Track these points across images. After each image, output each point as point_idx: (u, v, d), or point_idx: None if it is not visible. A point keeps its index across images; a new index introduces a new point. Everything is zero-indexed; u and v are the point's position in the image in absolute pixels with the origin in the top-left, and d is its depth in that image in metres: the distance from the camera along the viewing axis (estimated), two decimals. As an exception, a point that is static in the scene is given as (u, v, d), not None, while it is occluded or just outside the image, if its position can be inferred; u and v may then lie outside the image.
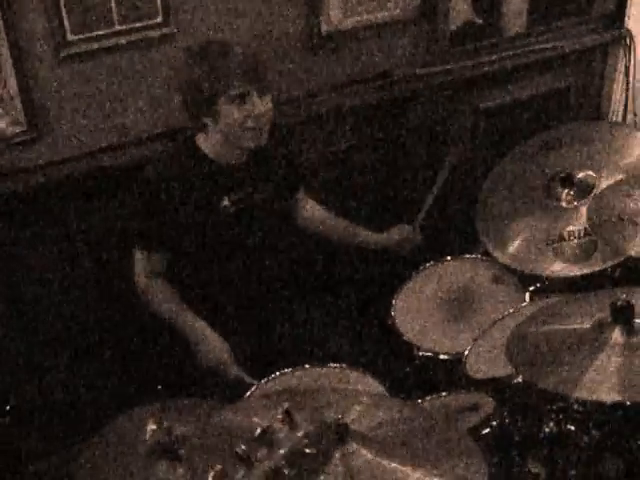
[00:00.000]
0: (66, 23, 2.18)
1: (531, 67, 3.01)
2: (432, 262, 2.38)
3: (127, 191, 2.21)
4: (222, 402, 1.76)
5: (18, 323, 2.36)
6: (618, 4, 3.10)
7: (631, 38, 3.13)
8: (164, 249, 2.13)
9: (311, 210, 2.43)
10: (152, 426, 1.61)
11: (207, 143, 2.10)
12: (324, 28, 2.58)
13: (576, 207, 2.30)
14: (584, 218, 2.17)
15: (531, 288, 2.22)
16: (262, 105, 2.01)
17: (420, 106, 2.82)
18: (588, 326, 1.62)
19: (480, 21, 2.88)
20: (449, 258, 2.39)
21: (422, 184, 2.77)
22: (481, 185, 2.49)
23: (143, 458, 1.60)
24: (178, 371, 2.18)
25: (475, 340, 2.01)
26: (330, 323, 2.29)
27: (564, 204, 2.32)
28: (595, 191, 2.28)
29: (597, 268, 2.16)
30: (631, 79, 3.17)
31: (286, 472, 0.98)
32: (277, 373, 1.89)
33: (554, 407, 1.72)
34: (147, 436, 1.61)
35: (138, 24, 2.28)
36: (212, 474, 0.96)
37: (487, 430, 1.75)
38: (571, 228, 2.24)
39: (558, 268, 2.21)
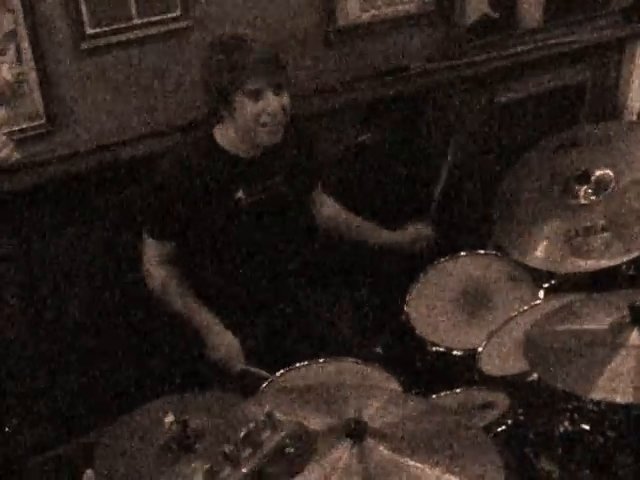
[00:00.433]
0: (85, 17, 2.19)
1: (547, 61, 2.99)
2: (445, 257, 2.38)
3: (144, 182, 2.21)
4: (238, 396, 1.79)
5: (36, 316, 2.37)
6: (636, -2, 3.08)
7: (649, 33, 3.11)
8: (176, 239, 2.13)
9: (329, 209, 2.41)
10: (169, 418, 1.63)
11: (224, 135, 2.10)
12: (340, 22, 2.58)
13: (593, 203, 2.27)
14: (602, 214, 2.16)
15: (545, 285, 2.21)
16: (277, 102, 2.00)
17: (436, 100, 2.81)
18: (606, 326, 1.63)
19: (496, 15, 2.87)
20: (463, 253, 2.39)
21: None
22: (495, 180, 2.47)
23: (158, 451, 1.62)
24: (193, 365, 2.19)
25: (489, 336, 2.01)
26: (344, 318, 2.30)
27: (582, 201, 2.30)
28: (613, 187, 2.27)
29: (619, 261, 2.12)
30: (648, 74, 3.16)
31: (269, 471, 1.00)
32: (293, 366, 1.89)
33: (569, 406, 1.72)
34: (165, 429, 1.63)
35: (157, 17, 2.29)
36: (201, 473, 0.98)
37: (502, 428, 1.76)
38: (589, 224, 2.23)
39: (584, 264, 2.16)
